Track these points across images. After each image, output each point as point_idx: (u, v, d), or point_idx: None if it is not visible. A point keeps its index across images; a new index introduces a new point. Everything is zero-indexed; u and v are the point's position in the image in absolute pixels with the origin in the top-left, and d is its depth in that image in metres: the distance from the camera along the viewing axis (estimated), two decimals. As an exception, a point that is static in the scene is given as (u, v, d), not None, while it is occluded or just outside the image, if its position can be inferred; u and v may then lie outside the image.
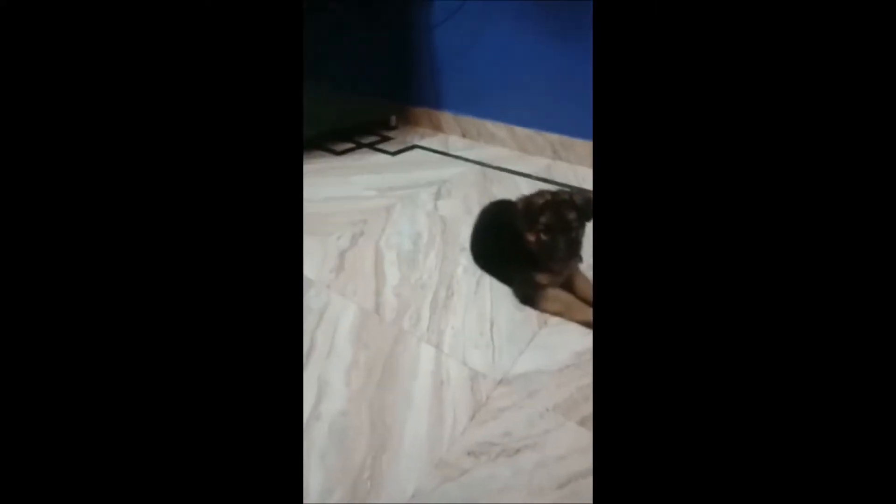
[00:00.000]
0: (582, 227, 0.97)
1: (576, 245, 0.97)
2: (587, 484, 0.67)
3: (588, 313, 0.97)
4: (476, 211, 1.24)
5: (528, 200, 0.99)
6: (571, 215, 0.95)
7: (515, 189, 1.57)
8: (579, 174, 1.71)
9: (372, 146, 1.97)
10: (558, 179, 1.65)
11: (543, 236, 0.96)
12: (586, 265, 1.15)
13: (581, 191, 1.01)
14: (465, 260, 1.19)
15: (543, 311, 1.00)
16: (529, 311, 1.01)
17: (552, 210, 0.95)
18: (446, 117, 2.11)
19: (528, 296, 1.01)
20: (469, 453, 0.71)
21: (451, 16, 1.88)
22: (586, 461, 0.70)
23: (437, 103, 2.14)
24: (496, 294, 1.07)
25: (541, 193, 0.99)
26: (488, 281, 1.11)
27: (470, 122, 2.05)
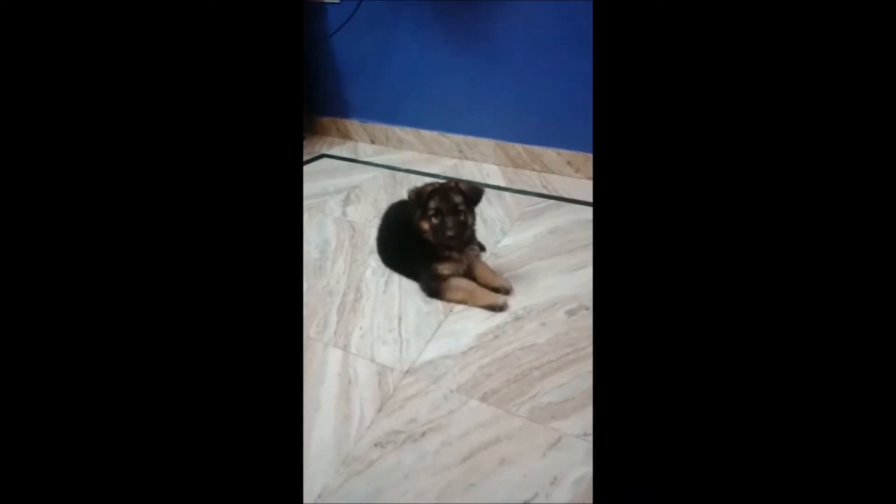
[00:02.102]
0: (470, 211, 1.04)
1: (464, 226, 1.02)
2: (488, 455, 0.71)
3: (490, 297, 1.02)
4: (386, 214, 1.26)
5: (417, 191, 1.04)
6: (458, 199, 1.01)
7: (424, 189, 1.62)
8: (484, 170, 1.80)
9: (278, 159, 1.92)
10: (465, 177, 1.72)
11: (434, 220, 1.01)
12: (489, 254, 1.22)
13: (470, 181, 1.07)
14: (375, 262, 1.20)
15: (449, 300, 1.04)
16: (436, 303, 1.05)
17: (440, 195, 1.01)
18: (354, 125, 2.11)
19: (433, 288, 1.05)
20: (376, 445, 0.73)
21: (344, 23, 1.89)
22: (487, 434, 0.74)
23: (343, 112, 2.13)
24: (405, 291, 1.10)
25: (429, 184, 1.05)
26: (397, 279, 1.14)
27: (378, 128, 2.06)
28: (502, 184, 1.67)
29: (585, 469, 0.68)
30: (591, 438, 0.73)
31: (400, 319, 1.00)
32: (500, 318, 0.99)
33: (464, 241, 1.04)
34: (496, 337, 0.94)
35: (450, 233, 1.00)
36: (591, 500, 0.65)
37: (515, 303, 1.03)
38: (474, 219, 1.05)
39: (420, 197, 1.02)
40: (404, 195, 1.52)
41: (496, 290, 1.05)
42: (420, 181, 1.71)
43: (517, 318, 0.99)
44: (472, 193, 1.04)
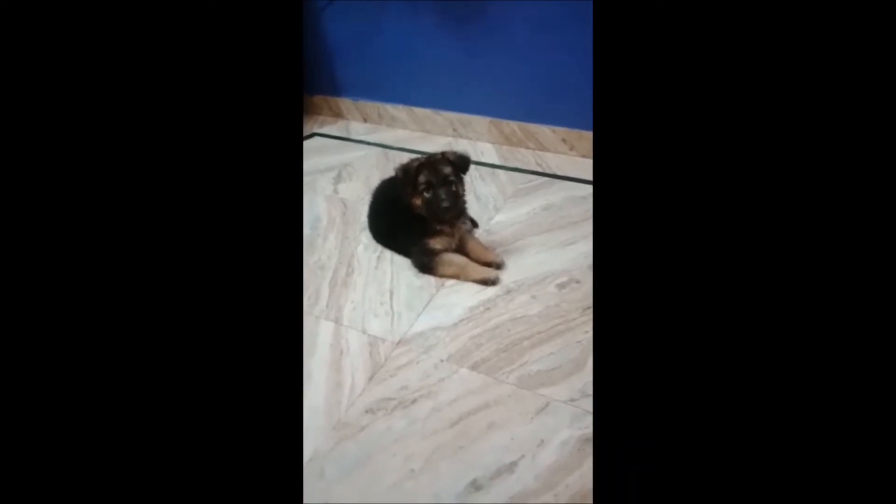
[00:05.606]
0: (459, 180, 1.03)
1: (457, 197, 1.02)
2: (476, 420, 0.73)
3: (482, 272, 1.03)
4: (378, 192, 1.25)
5: (404, 167, 1.03)
6: (447, 169, 1.00)
7: (417, 167, 1.61)
8: (478, 149, 1.79)
9: (270, 137, 1.90)
10: (459, 155, 1.71)
11: (426, 194, 1.01)
12: (482, 230, 1.22)
13: (455, 151, 1.07)
14: (366, 238, 1.20)
15: (441, 276, 1.05)
16: (428, 278, 1.05)
17: (428, 168, 1.00)
18: (346, 103, 2.08)
19: (425, 264, 1.06)
20: (367, 411, 0.74)
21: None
22: (476, 400, 0.76)
23: (334, 90, 2.10)
24: (397, 266, 1.10)
25: (415, 159, 1.04)
26: (389, 255, 1.14)
27: (370, 106, 2.04)
28: (497, 162, 1.66)
29: (571, 432, 0.70)
30: (577, 404, 0.74)
31: (392, 293, 1.01)
32: (491, 291, 1.00)
33: (457, 212, 1.04)
34: (487, 309, 0.95)
35: (445, 204, 0.99)
36: (576, 462, 0.66)
37: (507, 277, 1.04)
38: (464, 188, 1.05)
39: (408, 173, 1.01)
40: (396, 172, 1.51)
41: (488, 264, 1.05)
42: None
43: (508, 292, 0.99)
44: (460, 162, 1.04)
